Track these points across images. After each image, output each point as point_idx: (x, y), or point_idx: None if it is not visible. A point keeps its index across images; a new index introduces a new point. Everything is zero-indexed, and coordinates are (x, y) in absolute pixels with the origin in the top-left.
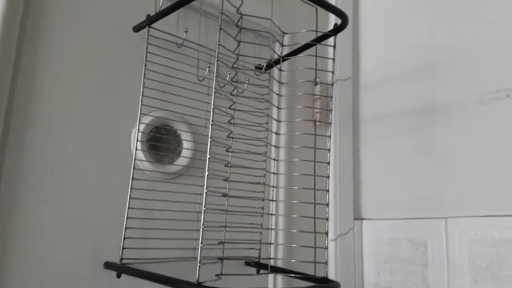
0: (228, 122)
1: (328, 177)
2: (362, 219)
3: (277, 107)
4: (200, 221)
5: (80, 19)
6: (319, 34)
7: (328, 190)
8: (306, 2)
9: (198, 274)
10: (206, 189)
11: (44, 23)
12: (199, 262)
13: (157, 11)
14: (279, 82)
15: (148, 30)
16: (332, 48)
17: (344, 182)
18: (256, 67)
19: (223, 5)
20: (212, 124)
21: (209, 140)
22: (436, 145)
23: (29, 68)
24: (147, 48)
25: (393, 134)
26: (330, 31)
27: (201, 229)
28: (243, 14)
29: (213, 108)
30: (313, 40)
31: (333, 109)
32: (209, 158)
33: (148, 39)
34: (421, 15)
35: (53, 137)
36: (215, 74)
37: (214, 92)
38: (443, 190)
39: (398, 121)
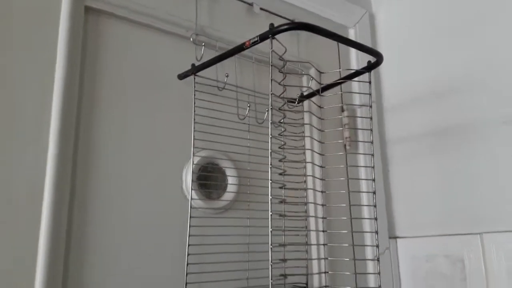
0: (280, 161)
1: (375, 206)
2: (396, 237)
3: (319, 141)
4: (254, 252)
5: (129, 74)
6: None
7: (376, 219)
8: (342, 43)
9: None
10: (271, 228)
11: (99, 81)
12: None
13: (198, 59)
14: (318, 117)
15: (194, 79)
16: (357, 79)
17: (376, 202)
18: (289, 101)
19: (264, 47)
20: (270, 167)
21: (270, 182)
22: (463, 163)
23: (88, 123)
24: (194, 94)
25: (421, 154)
26: (365, 68)
27: (270, 265)
28: (287, 60)
29: (270, 152)
30: (347, 77)
31: (360, 134)
32: (270, 199)
33: (194, 87)
34: (442, 40)
35: (117, 185)
36: (270, 122)
37: (271, 138)
38: (475, 206)
39: (425, 142)
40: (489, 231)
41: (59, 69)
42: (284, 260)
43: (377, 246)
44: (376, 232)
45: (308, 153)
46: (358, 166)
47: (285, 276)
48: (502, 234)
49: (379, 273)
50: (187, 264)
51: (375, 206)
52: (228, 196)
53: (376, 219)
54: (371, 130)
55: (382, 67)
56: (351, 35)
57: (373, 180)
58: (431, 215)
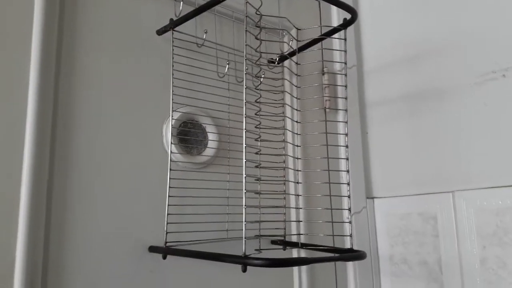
0: (256, 114)
1: (347, 159)
2: (373, 197)
3: (296, 97)
4: (234, 205)
5: (108, 30)
6: (328, 28)
7: (348, 171)
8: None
9: (245, 248)
10: (245, 174)
11: (79, 37)
12: (245, 238)
13: (176, 15)
14: (296, 75)
15: (173, 33)
16: (338, 40)
17: (355, 164)
18: (269, 61)
19: (243, 6)
20: (245, 117)
21: (244, 131)
22: (438, 125)
23: (68, 79)
24: (173, 50)
25: (398, 116)
26: (340, 25)
27: (244, 209)
28: (263, 15)
29: (245, 102)
30: (324, 34)
31: (340, 95)
32: (245, 147)
33: (173, 41)
34: (418, 3)
35: (98, 138)
36: (245, 72)
37: (246, 88)
38: (448, 166)
39: (402, 104)
40: (460, 189)
41: (37, 26)
42: (259, 207)
43: (349, 196)
44: (348, 184)
45: (286, 112)
46: (332, 121)
47: (259, 222)
48: (472, 191)
49: (350, 222)
50: (167, 215)
51: (347, 159)
52: (208, 152)
53: (348, 171)
54: (346, 86)
55: (363, 30)
56: None
57: (346, 134)
58: (407, 176)
